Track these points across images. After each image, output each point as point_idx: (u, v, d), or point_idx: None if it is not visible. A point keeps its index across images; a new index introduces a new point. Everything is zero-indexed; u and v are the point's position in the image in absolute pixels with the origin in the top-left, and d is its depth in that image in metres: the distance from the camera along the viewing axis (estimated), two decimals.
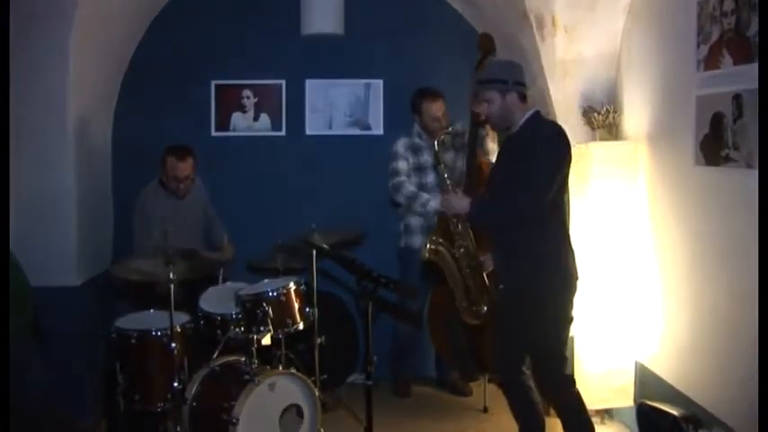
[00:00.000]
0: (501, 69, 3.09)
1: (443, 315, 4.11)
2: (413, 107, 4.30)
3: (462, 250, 3.43)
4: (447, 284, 3.80)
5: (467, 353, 4.05)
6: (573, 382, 3.09)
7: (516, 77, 3.03)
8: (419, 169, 4.29)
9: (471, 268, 3.44)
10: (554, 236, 2.99)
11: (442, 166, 3.46)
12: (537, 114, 3.05)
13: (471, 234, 3.43)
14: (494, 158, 4.09)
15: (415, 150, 4.29)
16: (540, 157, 2.90)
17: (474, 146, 4.08)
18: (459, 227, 3.41)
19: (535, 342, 3.01)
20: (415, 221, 4.30)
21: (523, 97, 3.04)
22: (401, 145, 4.28)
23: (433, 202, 4.08)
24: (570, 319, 3.03)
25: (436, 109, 4.20)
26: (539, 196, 2.88)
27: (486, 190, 3.26)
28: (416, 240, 4.28)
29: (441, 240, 3.59)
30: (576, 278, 3.02)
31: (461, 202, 3.14)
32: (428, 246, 3.58)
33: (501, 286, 3.10)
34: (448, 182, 3.39)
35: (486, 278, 3.44)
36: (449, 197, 3.23)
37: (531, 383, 3.11)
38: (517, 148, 3.02)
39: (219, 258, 3.91)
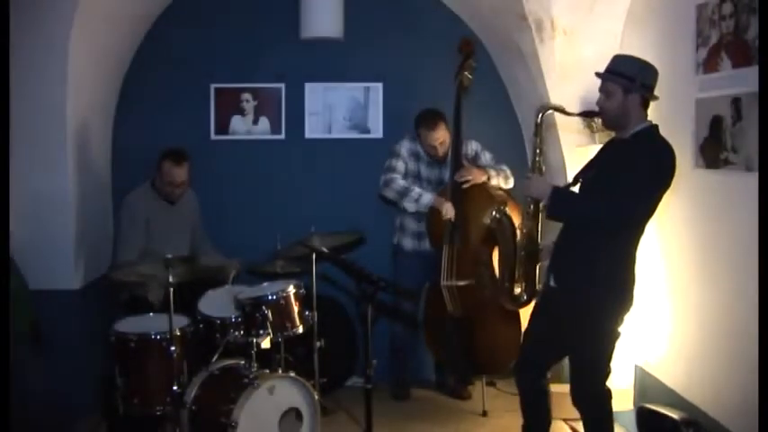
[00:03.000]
0: (631, 66, 2.83)
1: (438, 320, 4.10)
2: (415, 129, 4.26)
3: (525, 231, 3.21)
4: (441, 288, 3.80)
5: (462, 357, 4.04)
6: (609, 396, 2.93)
7: (645, 79, 2.80)
8: (417, 177, 4.26)
9: (527, 252, 3.22)
10: (624, 254, 2.81)
11: (538, 140, 3.15)
12: (654, 128, 2.84)
13: (540, 219, 3.20)
14: (490, 169, 4.11)
15: (416, 158, 4.28)
16: (648, 174, 2.72)
17: (459, 158, 4.04)
18: (532, 208, 3.18)
19: (577, 352, 2.92)
20: (410, 223, 4.29)
21: (646, 103, 2.84)
22: (404, 147, 4.26)
23: (427, 197, 4.06)
24: (617, 335, 2.88)
25: (433, 138, 4.14)
26: (631, 211, 2.72)
27: (573, 183, 3.07)
28: (407, 242, 4.31)
29: (507, 212, 3.55)
30: (631, 303, 2.85)
31: (542, 187, 2.91)
32: (494, 213, 3.53)
33: (552, 283, 2.95)
34: (539, 164, 3.11)
35: (537, 269, 3.26)
36: (531, 177, 2.99)
37: (549, 389, 3.08)
38: (624, 155, 2.81)
39: (219, 264, 3.91)
